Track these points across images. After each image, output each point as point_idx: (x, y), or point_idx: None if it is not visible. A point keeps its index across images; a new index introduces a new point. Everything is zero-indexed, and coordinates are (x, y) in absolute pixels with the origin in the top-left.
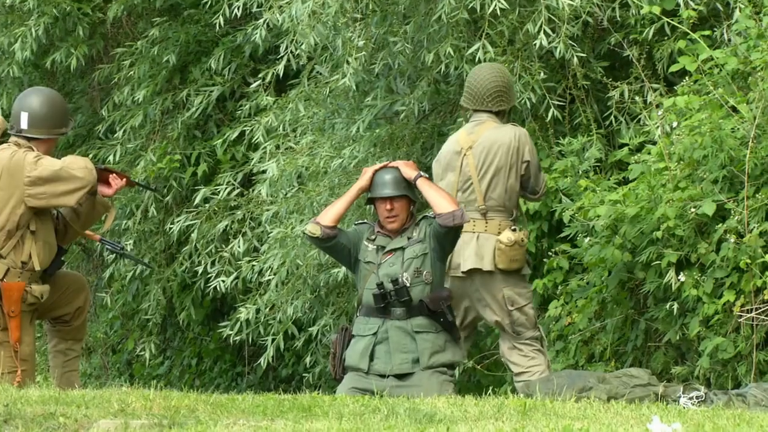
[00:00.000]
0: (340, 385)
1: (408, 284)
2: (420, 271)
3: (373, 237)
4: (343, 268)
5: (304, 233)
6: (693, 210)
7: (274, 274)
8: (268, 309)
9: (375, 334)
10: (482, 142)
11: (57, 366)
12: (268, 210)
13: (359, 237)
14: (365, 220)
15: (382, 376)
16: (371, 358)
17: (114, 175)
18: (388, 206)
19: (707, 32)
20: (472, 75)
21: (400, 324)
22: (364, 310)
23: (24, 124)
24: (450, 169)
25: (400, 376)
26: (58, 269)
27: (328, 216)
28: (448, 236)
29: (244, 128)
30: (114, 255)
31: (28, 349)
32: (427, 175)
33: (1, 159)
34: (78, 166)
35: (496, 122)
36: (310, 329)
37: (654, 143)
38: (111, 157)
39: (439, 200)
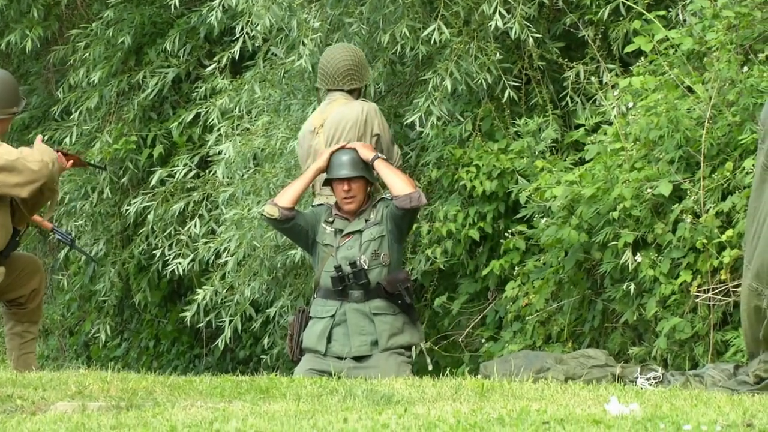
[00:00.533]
0: (298, 367)
1: (366, 267)
2: (378, 253)
3: (330, 219)
4: (300, 250)
5: (261, 214)
6: (649, 190)
7: (231, 256)
8: (225, 290)
9: (333, 316)
10: (332, 119)
11: (13, 348)
12: (224, 192)
13: (317, 219)
14: (322, 202)
15: (340, 358)
16: (329, 341)
17: (59, 154)
18: (346, 187)
19: (662, 12)
20: (324, 55)
21: (357, 306)
22: (321, 292)
23: None
24: (309, 150)
25: (358, 358)
26: (13, 250)
27: (286, 197)
28: (405, 218)
29: (200, 110)
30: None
31: None
32: (384, 157)
33: None
34: (34, 159)
35: (348, 100)
36: (267, 311)
37: (610, 124)
38: (67, 139)
39: (396, 182)
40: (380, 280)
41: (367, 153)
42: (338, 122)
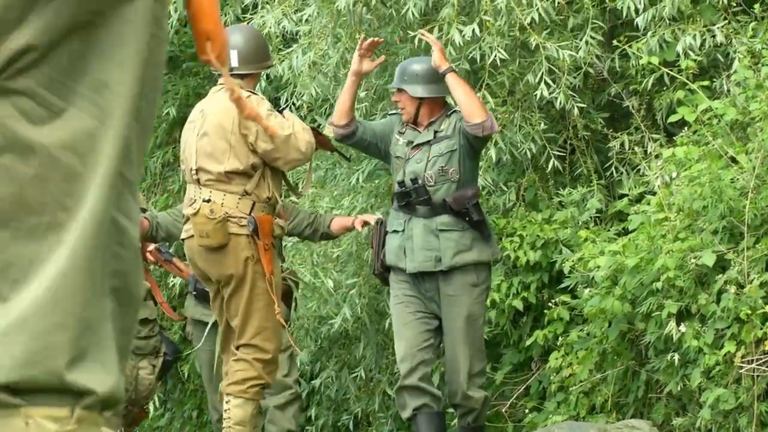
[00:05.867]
0: (392, 289)
1: (432, 182)
2: (445, 169)
3: (402, 130)
4: (340, 320)
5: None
6: (693, 261)
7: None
8: None
9: (403, 230)
10: None
11: None
12: None
13: (390, 129)
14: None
15: (414, 275)
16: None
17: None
18: (395, 97)
19: (707, 83)
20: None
21: (424, 222)
22: (395, 204)
23: (235, 62)
24: None
25: (427, 276)
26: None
27: (337, 115)
28: (476, 141)
29: None
30: None
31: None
32: (456, 70)
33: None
34: (305, 140)
35: None
36: (312, 382)
37: (654, 194)
38: None
39: (468, 107)
40: (446, 197)
41: (440, 61)
42: None
